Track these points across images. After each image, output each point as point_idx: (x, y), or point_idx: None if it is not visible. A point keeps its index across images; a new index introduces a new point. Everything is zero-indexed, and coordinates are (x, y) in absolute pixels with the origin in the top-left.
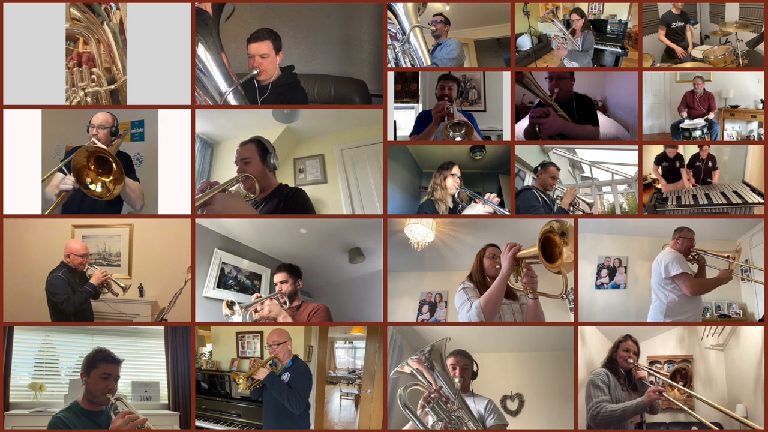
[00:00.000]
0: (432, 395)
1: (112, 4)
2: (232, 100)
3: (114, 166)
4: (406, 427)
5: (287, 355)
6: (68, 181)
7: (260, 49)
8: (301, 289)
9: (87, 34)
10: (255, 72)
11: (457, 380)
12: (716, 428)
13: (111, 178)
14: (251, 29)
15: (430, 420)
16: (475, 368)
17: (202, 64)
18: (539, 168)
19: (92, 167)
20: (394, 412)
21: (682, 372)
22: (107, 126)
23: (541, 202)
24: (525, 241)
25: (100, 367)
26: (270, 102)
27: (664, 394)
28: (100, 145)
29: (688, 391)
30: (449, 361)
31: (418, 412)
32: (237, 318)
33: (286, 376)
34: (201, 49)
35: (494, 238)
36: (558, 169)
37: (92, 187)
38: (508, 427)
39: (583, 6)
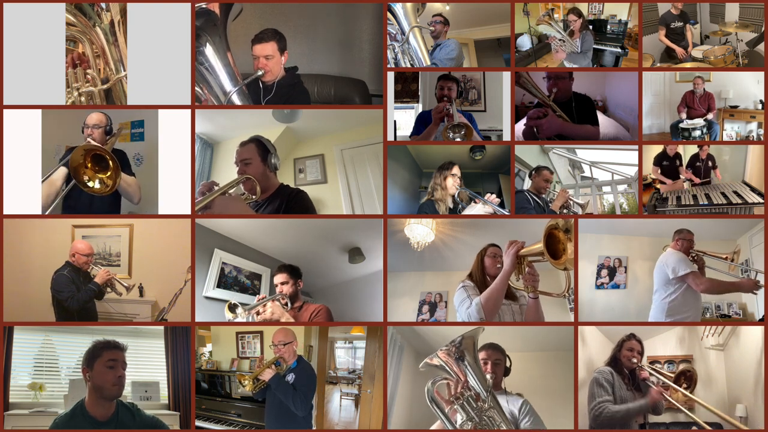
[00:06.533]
0: (461, 390)
1: (102, 5)
2: (236, 100)
3: (110, 163)
4: (433, 426)
5: (292, 356)
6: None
7: (264, 50)
8: (301, 290)
9: (80, 36)
10: (260, 73)
11: (488, 376)
12: (716, 429)
13: (108, 173)
14: (251, 29)
15: (459, 418)
16: (507, 363)
17: (209, 63)
18: (533, 172)
19: (89, 165)
20: (394, 412)
21: (687, 374)
22: (101, 125)
23: (533, 205)
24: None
25: (104, 355)
26: (275, 102)
27: (665, 395)
28: (95, 143)
29: (693, 397)
30: (480, 356)
31: (447, 410)
32: (240, 320)
33: (290, 377)
34: (209, 50)
35: (494, 238)
36: (551, 172)
37: (90, 184)
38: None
39: (583, 6)
